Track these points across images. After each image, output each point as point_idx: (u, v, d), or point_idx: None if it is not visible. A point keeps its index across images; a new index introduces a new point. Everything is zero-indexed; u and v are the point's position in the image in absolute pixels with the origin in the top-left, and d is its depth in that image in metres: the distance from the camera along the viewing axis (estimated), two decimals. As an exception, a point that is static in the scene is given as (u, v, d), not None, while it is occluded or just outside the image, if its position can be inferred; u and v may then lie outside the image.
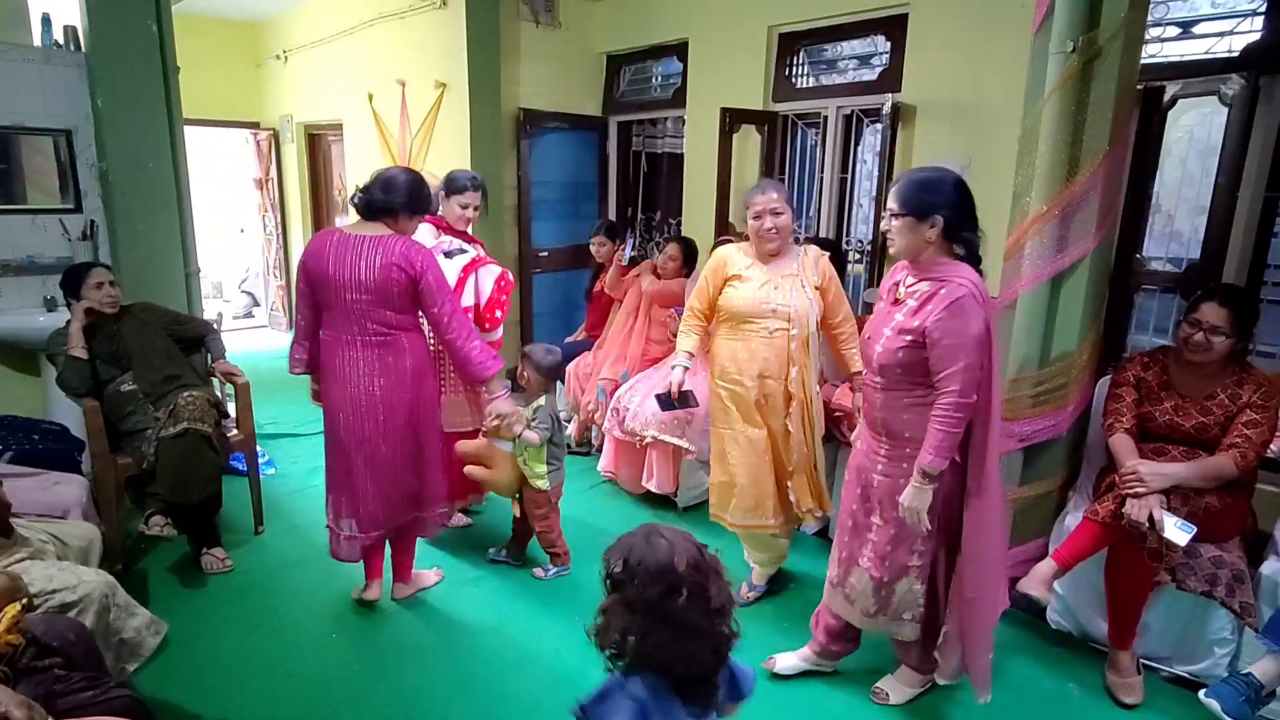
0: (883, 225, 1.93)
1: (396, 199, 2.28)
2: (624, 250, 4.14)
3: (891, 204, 1.87)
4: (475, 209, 2.80)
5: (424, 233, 2.74)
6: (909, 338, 1.83)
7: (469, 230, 2.86)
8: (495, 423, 2.48)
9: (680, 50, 4.62)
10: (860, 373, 2.28)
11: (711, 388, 2.56)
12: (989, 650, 1.97)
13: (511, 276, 2.83)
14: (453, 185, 2.78)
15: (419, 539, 2.65)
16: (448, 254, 2.70)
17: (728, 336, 2.48)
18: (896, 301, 1.92)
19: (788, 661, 2.29)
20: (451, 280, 2.62)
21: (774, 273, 2.41)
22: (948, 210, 1.79)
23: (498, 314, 2.77)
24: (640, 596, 1.19)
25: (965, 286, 1.76)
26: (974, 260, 1.86)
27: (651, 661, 1.20)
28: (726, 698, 1.29)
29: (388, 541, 2.56)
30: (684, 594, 1.18)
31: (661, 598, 1.18)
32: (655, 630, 1.18)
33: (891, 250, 1.95)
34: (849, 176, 4.04)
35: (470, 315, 2.66)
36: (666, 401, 2.56)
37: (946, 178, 1.83)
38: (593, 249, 4.21)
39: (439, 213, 2.82)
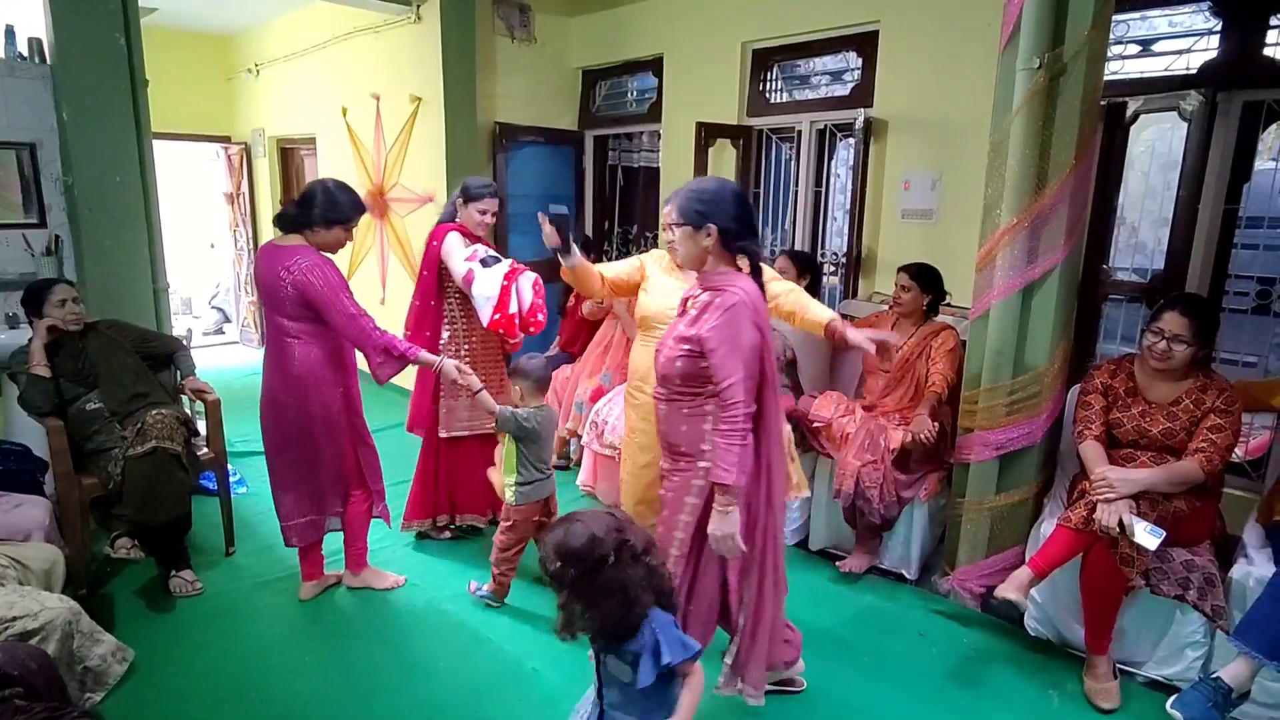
0: (668, 235, 1.91)
1: (299, 212, 2.43)
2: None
3: (672, 214, 1.87)
4: (493, 215, 2.87)
5: (455, 242, 2.81)
6: (686, 347, 1.80)
7: (485, 236, 2.93)
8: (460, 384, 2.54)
9: (655, 66, 4.67)
10: (833, 319, 2.23)
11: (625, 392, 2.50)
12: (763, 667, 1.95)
13: (540, 283, 2.89)
14: (470, 193, 2.84)
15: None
16: (484, 262, 2.76)
17: (640, 342, 2.39)
18: (683, 313, 1.91)
19: None
20: (495, 289, 2.71)
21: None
22: (722, 220, 1.79)
23: (540, 317, 2.83)
24: (588, 571, 1.37)
25: (738, 295, 1.76)
26: (755, 270, 1.85)
27: (639, 608, 1.39)
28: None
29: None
30: (621, 554, 1.37)
31: (601, 568, 1.37)
32: (624, 589, 1.37)
33: (676, 260, 1.95)
34: (823, 190, 4.09)
35: (516, 322, 2.77)
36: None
37: (724, 189, 1.84)
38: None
39: (458, 219, 2.86)
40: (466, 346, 2.93)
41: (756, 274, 1.86)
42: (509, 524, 2.60)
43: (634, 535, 1.44)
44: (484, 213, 2.84)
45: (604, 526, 1.41)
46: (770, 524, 1.87)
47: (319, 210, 2.43)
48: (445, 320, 2.93)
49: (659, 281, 2.36)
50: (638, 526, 1.47)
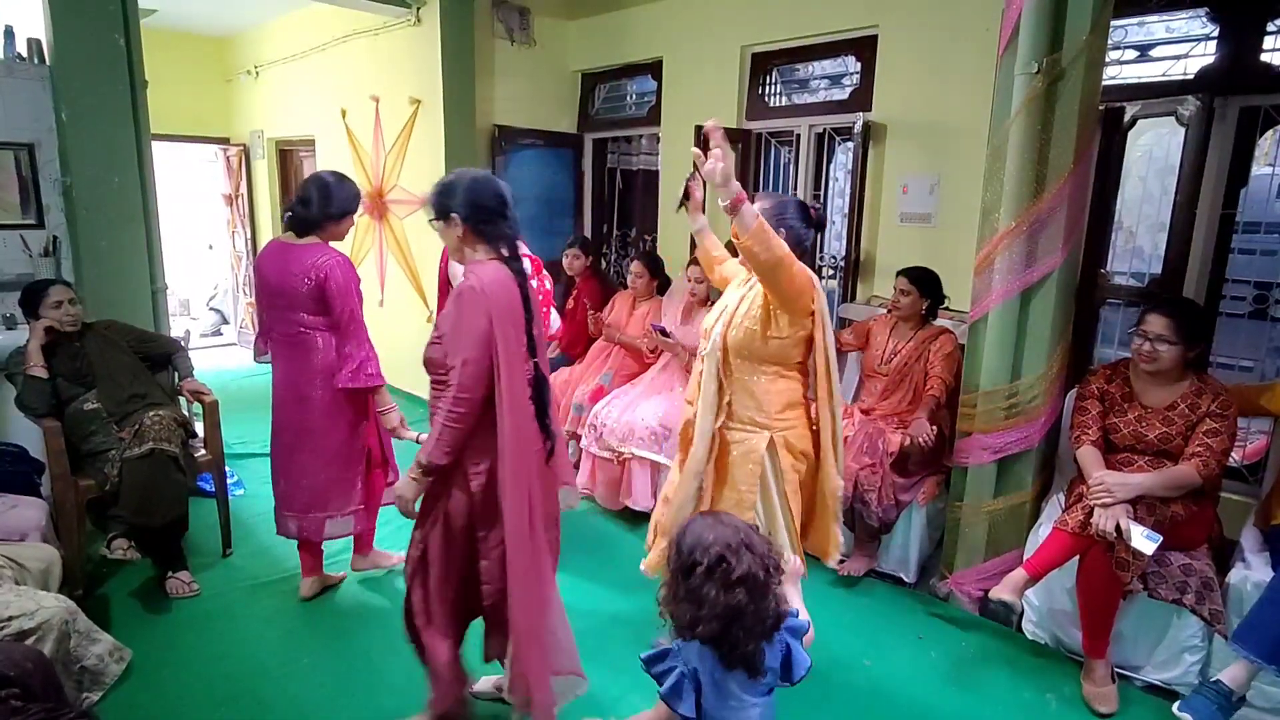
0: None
1: (312, 212, 2.45)
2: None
3: (428, 211, 1.87)
4: None
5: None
6: (436, 334, 1.82)
7: None
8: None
9: (654, 69, 4.67)
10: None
11: None
12: (546, 689, 1.82)
13: (549, 284, 2.88)
14: None
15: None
16: None
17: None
18: None
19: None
20: None
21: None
22: (461, 209, 1.79)
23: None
24: (682, 570, 1.36)
25: (469, 281, 1.75)
26: (514, 257, 1.83)
27: (698, 631, 1.34)
28: (781, 676, 1.43)
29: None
30: (714, 572, 1.32)
31: (692, 572, 1.34)
32: (697, 602, 1.32)
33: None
34: (822, 193, 4.10)
35: None
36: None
37: (464, 178, 1.82)
38: (565, 262, 4.21)
39: None
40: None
41: (515, 260, 1.82)
42: None
43: (742, 563, 1.31)
44: None
45: (717, 539, 1.34)
46: (514, 517, 1.77)
47: (331, 207, 2.45)
48: None
49: (726, 296, 2.21)
50: (757, 561, 1.33)
